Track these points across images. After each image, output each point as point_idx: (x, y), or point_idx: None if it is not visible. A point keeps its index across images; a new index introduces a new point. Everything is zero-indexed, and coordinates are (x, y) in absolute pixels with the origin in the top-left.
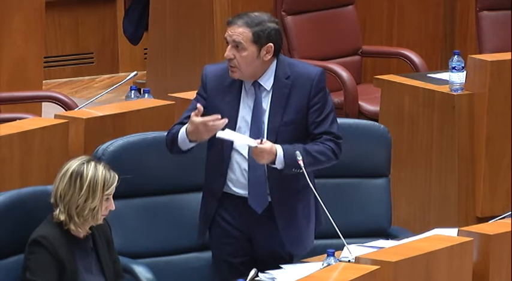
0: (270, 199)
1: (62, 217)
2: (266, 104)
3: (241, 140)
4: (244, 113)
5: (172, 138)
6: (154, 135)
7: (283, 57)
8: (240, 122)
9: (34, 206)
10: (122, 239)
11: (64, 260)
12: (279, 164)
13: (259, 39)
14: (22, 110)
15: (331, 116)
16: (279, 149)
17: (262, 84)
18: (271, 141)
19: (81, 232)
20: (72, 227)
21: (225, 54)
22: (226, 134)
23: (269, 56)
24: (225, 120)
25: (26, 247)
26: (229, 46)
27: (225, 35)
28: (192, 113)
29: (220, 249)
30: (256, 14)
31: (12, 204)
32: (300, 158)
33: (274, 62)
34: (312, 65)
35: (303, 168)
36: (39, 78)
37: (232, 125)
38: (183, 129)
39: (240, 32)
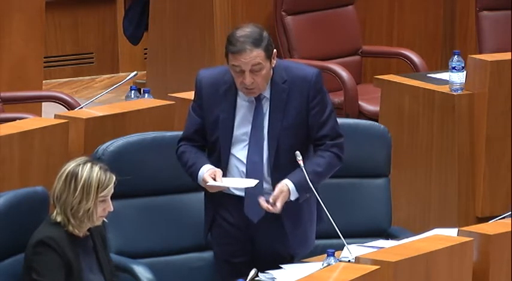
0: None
1: (59, 218)
2: (265, 110)
3: (236, 184)
4: (241, 120)
5: (186, 166)
6: (154, 135)
7: (278, 61)
8: (237, 129)
9: (31, 208)
10: (122, 239)
11: (71, 260)
12: (292, 197)
13: (268, 53)
14: (22, 110)
15: (332, 116)
16: (289, 184)
17: (261, 92)
18: (272, 148)
19: (79, 233)
20: (70, 228)
21: (247, 83)
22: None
23: (275, 62)
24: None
25: (28, 247)
26: (247, 73)
27: (235, 64)
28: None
29: (220, 249)
30: (248, 30)
31: (9, 206)
32: (299, 158)
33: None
34: (308, 66)
35: (303, 168)
36: (39, 78)
37: (229, 132)
38: (200, 175)
39: (255, 55)
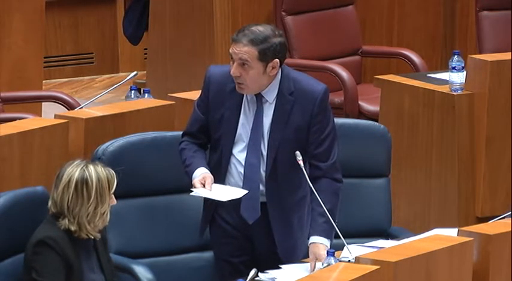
0: (268, 210)
1: (73, 227)
2: (268, 117)
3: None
4: (245, 122)
5: (183, 164)
6: (154, 135)
7: (288, 70)
8: (240, 130)
9: (31, 207)
10: (122, 239)
11: (71, 260)
12: (328, 245)
13: (265, 57)
14: (22, 110)
15: (331, 137)
16: (322, 240)
17: (264, 96)
18: (271, 157)
19: (91, 236)
20: (83, 235)
21: (232, 72)
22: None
23: (275, 71)
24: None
25: (28, 247)
26: (235, 64)
27: (230, 51)
28: (198, 182)
29: (220, 249)
30: (260, 29)
31: (9, 206)
32: (300, 158)
33: (279, 75)
34: (316, 81)
35: (302, 168)
36: (39, 78)
37: (232, 131)
38: (194, 173)
39: (245, 50)
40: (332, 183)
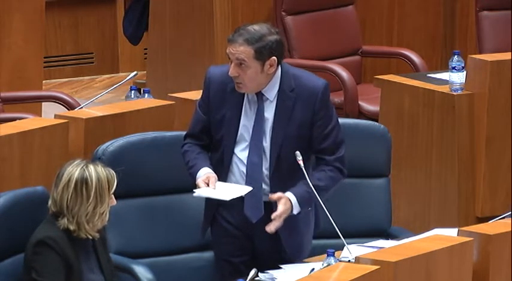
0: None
1: (72, 227)
2: (269, 115)
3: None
4: (246, 121)
5: (187, 166)
6: (154, 135)
7: (287, 67)
8: (241, 129)
9: (31, 207)
10: (122, 239)
11: (71, 260)
12: (295, 211)
13: (261, 56)
14: (22, 110)
15: (335, 130)
16: (291, 197)
17: (265, 94)
18: (274, 155)
19: (90, 236)
20: (81, 234)
21: (230, 73)
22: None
23: (273, 69)
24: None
25: (28, 247)
26: (233, 64)
27: (227, 52)
28: (201, 181)
29: (220, 248)
30: (255, 28)
31: (9, 206)
32: (299, 158)
33: (279, 73)
34: (317, 77)
35: (303, 168)
36: (39, 78)
37: (233, 132)
38: (198, 174)
39: (241, 50)
40: (335, 171)
